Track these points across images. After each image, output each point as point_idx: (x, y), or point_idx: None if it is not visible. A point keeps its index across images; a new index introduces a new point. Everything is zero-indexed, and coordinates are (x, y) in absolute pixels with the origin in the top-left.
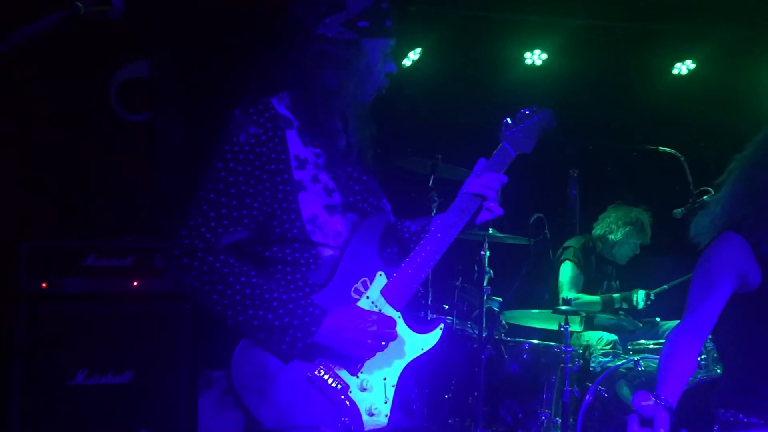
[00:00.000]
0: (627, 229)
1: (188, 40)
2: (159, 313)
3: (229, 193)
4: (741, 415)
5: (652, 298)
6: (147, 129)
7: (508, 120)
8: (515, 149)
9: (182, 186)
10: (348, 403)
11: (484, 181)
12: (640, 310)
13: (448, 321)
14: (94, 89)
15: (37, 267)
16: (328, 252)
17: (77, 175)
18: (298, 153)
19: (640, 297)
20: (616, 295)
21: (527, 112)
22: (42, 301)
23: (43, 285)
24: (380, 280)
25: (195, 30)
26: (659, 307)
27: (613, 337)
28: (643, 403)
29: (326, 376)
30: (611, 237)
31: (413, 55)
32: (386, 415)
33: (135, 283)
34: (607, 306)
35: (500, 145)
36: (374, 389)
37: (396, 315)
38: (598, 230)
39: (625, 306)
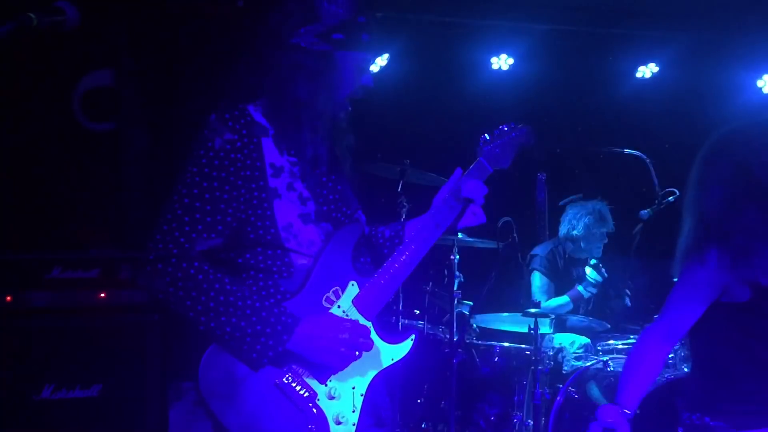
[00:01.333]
0: (586, 220)
1: (152, 49)
2: (127, 325)
3: (204, 198)
4: (707, 418)
5: (601, 266)
6: (111, 138)
7: (486, 136)
8: (492, 164)
9: (147, 196)
10: (315, 410)
11: (474, 186)
12: (605, 280)
13: (419, 326)
14: (57, 98)
15: (1, 280)
16: (301, 260)
17: (41, 186)
18: (273, 161)
19: (591, 274)
20: (579, 287)
21: (505, 129)
22: (6, 315)
23: (8, 299)
24: (352, 289)
25: (159, 38)
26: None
27: (585, 340)
28: (609, 420)
29: (294, 384)
30: (575, 233)
31: (380, 61)
32: (354, 424)
33: (102, 295)
34: (578, 300)
35: (477, 159)
36: (342, 398)
37: (367, 324)
38: (562, 231)
39: (593, 290)
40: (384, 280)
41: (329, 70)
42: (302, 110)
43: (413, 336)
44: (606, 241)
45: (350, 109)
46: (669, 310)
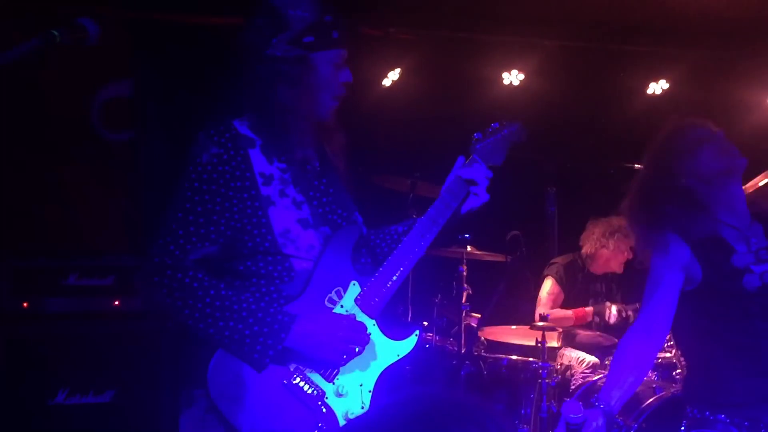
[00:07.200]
0: (615, 237)
1: (169, 61)
2: (140, 332)
3: (196, 211)
4: (707, 413)
5: (624, 315)
6: (129, 147)
7: (478, 134)
8: (485, 161)
9: (163, 205)
10: (324, 409)
11: (474, 170)
12: (612, 325)
13: (428, 337)
14: (75, 108)
15: (19, 286)
16: (301, 264)
17: (59, 194)
18: (263, 170)
19: (612, 311)
20: (588, 309)
21: (497, 126)
22: (23, 320)
23: (24, 304)
24: (354, 289)
25: (176, 51)
26: None
27: (593, 359)
28: (572, 415)
29: (302, 383)
30: (605, 250)
31: (393, 76)
32: None
33: (116, 302)
34: (580, 320)
35: (470, 157)
36: (350, 395)
37: (371, 323)
38: (587, 249)
39: (597, 320)
40: (385, 279)
41: (307, 72)
42: (288, 115)
43: (417, 331)
44: (630, 255)
45: (335, 108)
46: (643, 307)
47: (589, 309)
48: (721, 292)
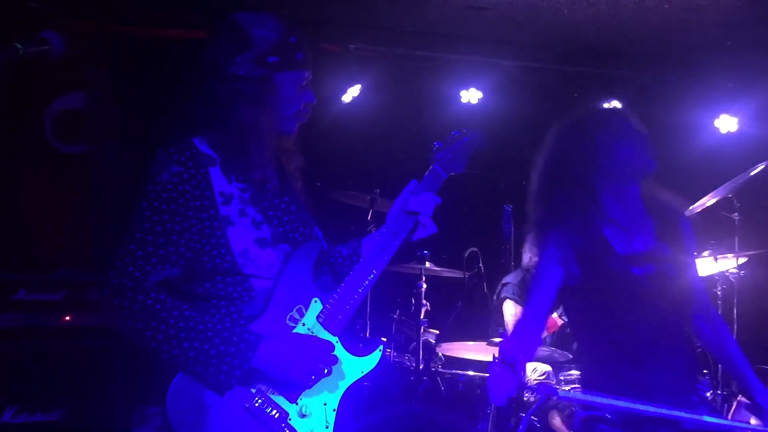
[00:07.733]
0: None
1: (127, 74)
2: (92, 348)
3: (155, 231)
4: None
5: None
6: (83, 159)
7: (439, 143)
8: (446, 170)
9: (117, 219)
10: (287, 431)
11: (422, 200)
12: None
13: (386, 353)
14: (29, 119)
15: None
16: (261, 284)
17: (8, 206)
18: (222, 189)
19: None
20: (554, 316)
21: (457, 134)
22: None
23: None
24: (315, 306)
25: (134, 64)
26: None
27: (546, 367)
28: (509, 353)
29: (264, 406)
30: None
31: (353, 92)
32: None
33: (67, 318)
34: (552, 328)
35: (431, 167)
36: (314, 415)
37: (333, 340)
38: (524, 260)
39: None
40: (347, 295)
41: (269, 92)
42: (247, 135)
43: (381, 346)
44: None
45: (296, 129)
46: (527, 299)
47: (556, 316)
48: (599, 290)
